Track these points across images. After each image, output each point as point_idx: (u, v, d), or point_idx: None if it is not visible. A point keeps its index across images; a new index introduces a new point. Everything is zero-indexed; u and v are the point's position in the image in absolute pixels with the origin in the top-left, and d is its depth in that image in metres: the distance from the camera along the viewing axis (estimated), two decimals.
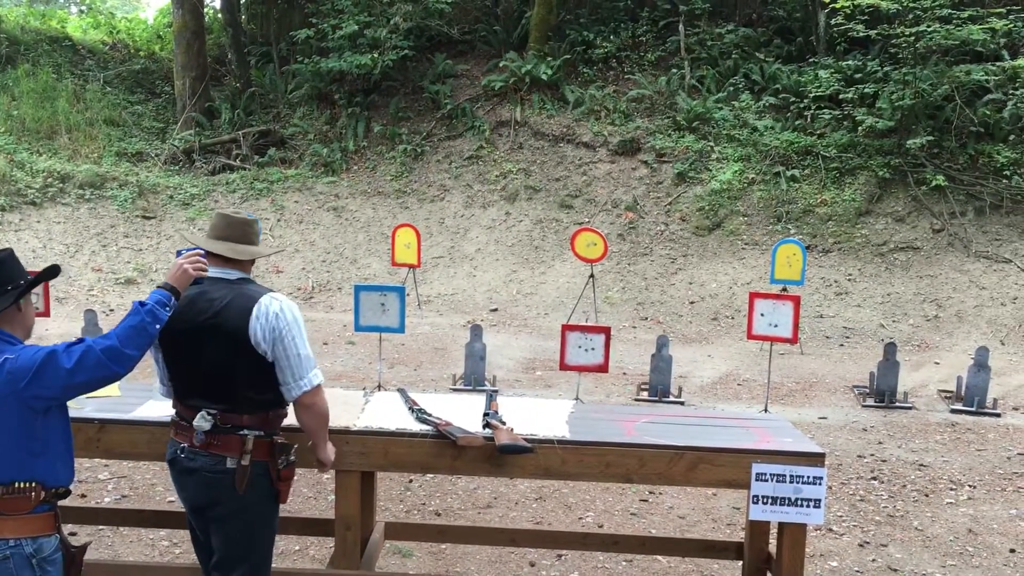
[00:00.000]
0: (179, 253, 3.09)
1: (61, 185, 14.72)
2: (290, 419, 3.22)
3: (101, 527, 4.90)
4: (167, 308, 2.86)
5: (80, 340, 2.74)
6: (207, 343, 3.03)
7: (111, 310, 11.73)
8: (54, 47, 18.27)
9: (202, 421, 3.03)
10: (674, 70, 16.34)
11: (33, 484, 2.69)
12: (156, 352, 3.17)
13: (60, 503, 2.82)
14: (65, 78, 17.32)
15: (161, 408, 3.62)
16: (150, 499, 5.55)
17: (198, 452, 3.04)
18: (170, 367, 3.15)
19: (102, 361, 2.68)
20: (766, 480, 3.38)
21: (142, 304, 2.82)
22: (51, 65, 17.47)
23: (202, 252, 3.04)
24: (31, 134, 15.88)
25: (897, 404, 8.46)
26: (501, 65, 16.90)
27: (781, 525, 3.50)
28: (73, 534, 4.75)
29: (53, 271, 2.94)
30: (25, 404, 2.66)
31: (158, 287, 2.92)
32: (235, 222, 3.24)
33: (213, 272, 3.08)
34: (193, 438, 3.05)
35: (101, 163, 15.58)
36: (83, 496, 5.43)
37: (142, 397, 3.83)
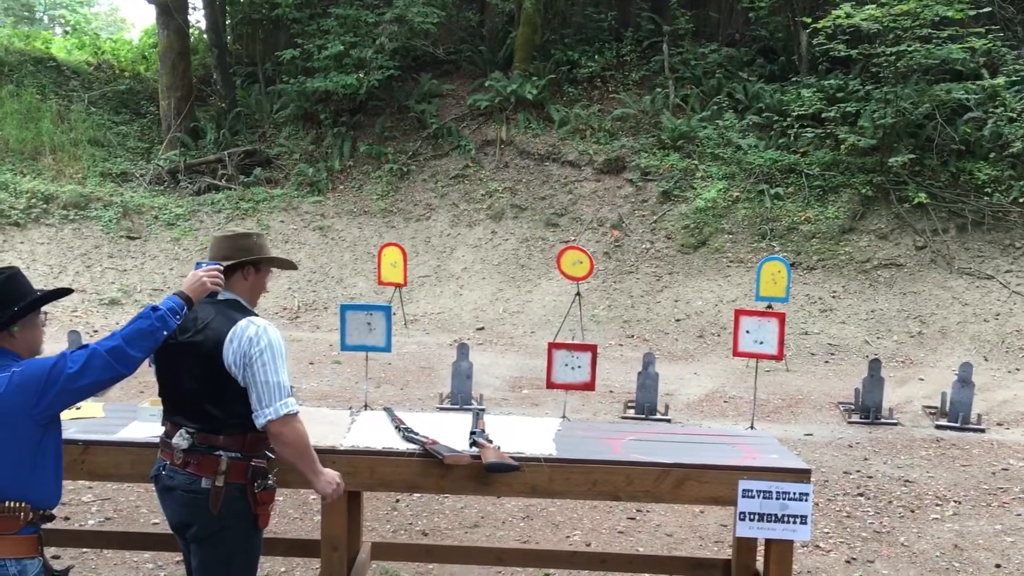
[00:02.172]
0: (198, 265, 3.06)
1: (45, 206, 14.67)
2: None
3: (85, 550, 4.86)
4: (178, 316, 2.88)
5: (84, 346, 2.76)
6: (187, 362, 3.02)
7: (95, 331, 11.66)
8: (38, 68, 18.25)
9: (180, 439, 3.02)
10: (658, 89, 16.45)
11: (23, 504, 2.68)
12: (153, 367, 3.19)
13: (44, 526, 2.80)
14: (49, 99, 17.29)
15: (145, 429, 3.61)
16: (134, 521, 5.50)
17: (177, 471, 3.03)
18: (159, 383, 3.16)
19: (108, 362, 2.70)
20: (752, 497, 3.39)
21: (155, 309, 2.84)
22: (35, 86, 17.45)
23: (221, 267, 3.05)
24: (15, 155, 15.83)
25: (882, 420, 8.49)
26: (486, 85, 16.98)
27: (768, 542, 3.50)
28: (57, 557, 4.70)
29: (60, 293, 2.95)
30: (32, 417, 2.66)
31: (174, 294, 2.93)
32: (222, 240, 3.20)
33: None
34: (173, 456, 3.04)
35: (85, 183, 15.53)
36: (67, 518, 5.38)
37: (126, 418, 3.81)
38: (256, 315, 3.13)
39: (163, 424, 3.18)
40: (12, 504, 2.66)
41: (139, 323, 2.81)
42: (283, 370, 3.01)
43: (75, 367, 2.67)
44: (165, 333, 2.83)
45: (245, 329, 2.99)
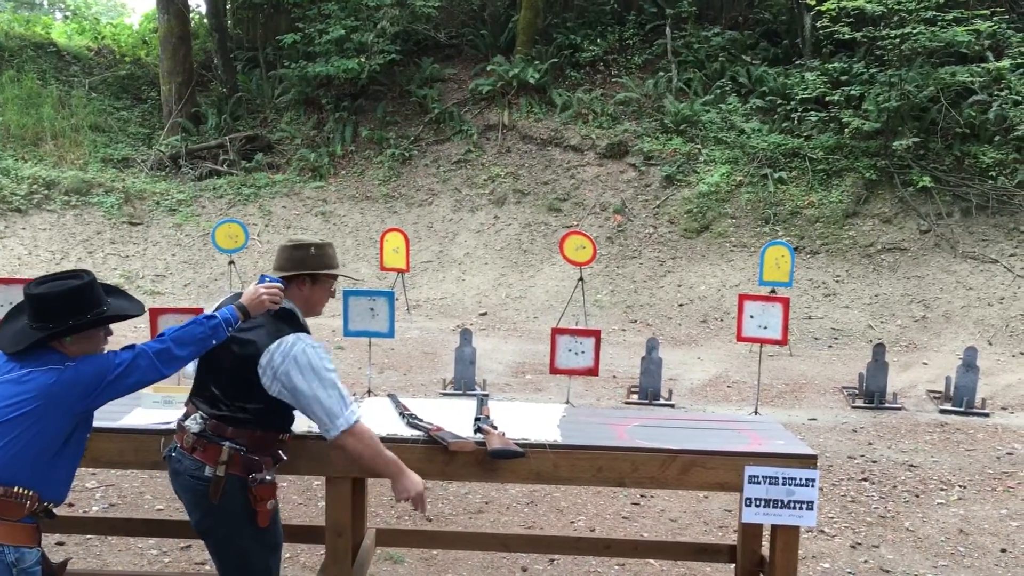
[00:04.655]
0: (261, 279, 3.07)
1: (47, 192, 14.64)
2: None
3: (89, 536, 4.85)
4: (231, 328, 2.93)
5: (131, 346, 2.81)
6: (223, 355, 3.03)
7: None
8: (39, 53, 18.17)
9: (192, 423, 3.05)
10: (661, 73, 16.37)
11: (31, 493, 2.67)
12: None
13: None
14: (50, 84, 17.23)
15: (149, 416, 3.59)
16: (138, 507, 5.50)
17: (185, 455, 3.05)
18: (197, 361, 3.18)
19: (153, 364, 2.77)
20: (759, 482, 3.37)
21: (210, 317, 2.89)
22: (36, 71, 17.38)
23: (281, 286, 3.06)
24: (16, 141, 15.79)
25: (886, 405, 8.47)
26: (488, 69, 16.90)
27: (774, 527, 3.48)
28: (61, 543, 4.71)
29: (126, 316, 2.92)
30: (71, 413, 2.69)
31: (234, 304, 2.97)
32: (281, 250, 3.26)
33: None
34: (184, 439, 3.06)
35: (87, 169, 15.50)
36: (71, 505, 5.37)
37: (129, 405, 3.78)
38: (306, 330, 3.12)
39: (185, 404, 3.20)
40: (21, 491, 2.66)
41: (191, 328, 2.85)
42: (328, 385, 3.01)
43: (121, 367, 2.73)
44: (214, 342, 2.90)
45: (292, 345, 2.99)
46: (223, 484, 3.00)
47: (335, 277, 3.32)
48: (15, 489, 2.65)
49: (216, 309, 3.13)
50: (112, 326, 2.93)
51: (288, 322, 3.09)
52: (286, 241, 3.31)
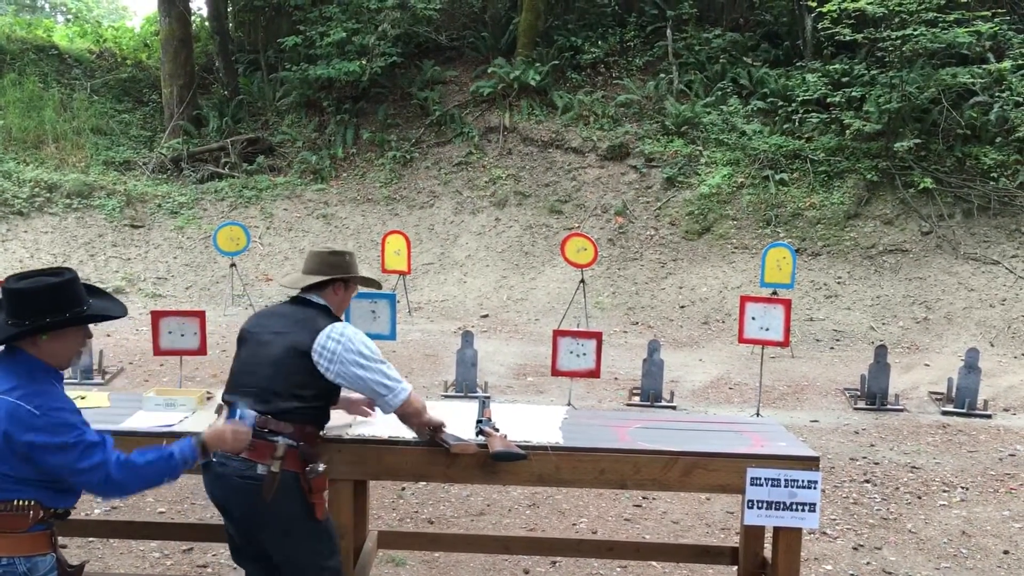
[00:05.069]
0: (232, 412, 3.05)
1: (48, 195, 14.65)
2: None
3: (91, 539, 4.86)
4: (186, 467, 2.80)
5: (102, 439, 2.66)
6: (273, 350, 3.13)
7: None
8: (40, 56, 18.19)
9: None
10: (662, 75, 16.37)
11: (32, 503, 2.63)
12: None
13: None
14: (52, 87, 17.25)
15: (150, 419, 3.59)
16: (140, 510, 5.50)
17: (230, 456, 3.04)
18: (235, 361, 3.26)
19: (102, 484, 2.65)
20: (761, 485, 3.37)
21: (171, 456, 2.75)
22: (37, 74, 17.40)
23: (250, 429, 3.00)
24: (18, 144, 15.80)
25: (888, 407, 8.46)
26: (489, 71, 16.91)
27: (776, 529, 3.49)
28: (63, 546, 4.69)
29: (107, 317, 2.86)
30: (16, 444, 2.57)
31: (195, 443, 2.82)
32: (316, 256, 3.41)
33: (303, 295, 3.36)
34: None
35: (88, 172, 15.51)
36: (72, 508, 5.37)
37: (131, 408, 3.79)
38: (342, 320, 3.31)
39: (217, 412, 3.21)
40: (21, 503, 2.62)
41: (158, 466, 2.73)
42: (385, 365, 3.23)
43: (82, 464, 2.59)
44: (168, 480, 2.79)
45: (343, 331, 3.15)
46: (277, 480, 3.02)
47: (357, 284, 3.50)
48: (15, 502, 2.61)
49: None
50: (112, 329, 2.91)
51: (326, 314, 3.28)
52: (319, 247, 3.44)
